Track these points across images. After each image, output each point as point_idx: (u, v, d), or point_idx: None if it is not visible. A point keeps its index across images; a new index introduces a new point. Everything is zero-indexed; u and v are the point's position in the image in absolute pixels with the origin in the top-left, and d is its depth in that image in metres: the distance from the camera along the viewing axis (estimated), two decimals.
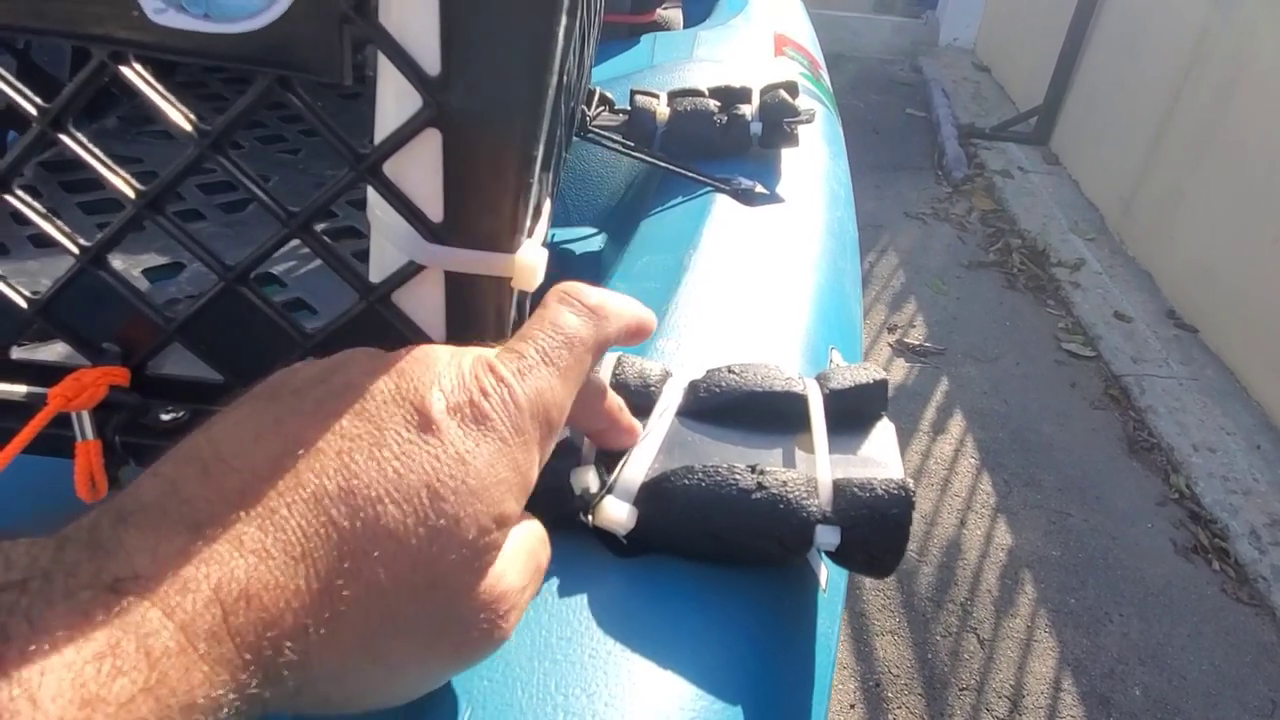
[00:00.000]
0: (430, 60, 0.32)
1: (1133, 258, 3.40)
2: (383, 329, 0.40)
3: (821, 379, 0.48)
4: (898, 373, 2.83)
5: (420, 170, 0.35)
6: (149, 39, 0.32)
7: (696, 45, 1.12)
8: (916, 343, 2.98)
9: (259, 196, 0.37)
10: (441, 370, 0.31)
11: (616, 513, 0.41)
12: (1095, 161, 3.82)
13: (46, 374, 0.43)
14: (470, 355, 0.32)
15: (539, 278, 0.38)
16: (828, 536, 0.40)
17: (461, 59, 0.32)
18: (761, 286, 0.67)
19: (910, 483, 0.41)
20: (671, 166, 0.80)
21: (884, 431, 0.46)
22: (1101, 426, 2.68)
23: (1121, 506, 2.40)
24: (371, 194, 0.37)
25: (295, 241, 0.39)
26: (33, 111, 0.35)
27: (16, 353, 0.43)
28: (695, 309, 0.62)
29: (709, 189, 0.79)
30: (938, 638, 2.00)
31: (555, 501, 0.41)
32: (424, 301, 0.39)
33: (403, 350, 0.32)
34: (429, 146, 0.35)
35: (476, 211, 0.36)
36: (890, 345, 2.97)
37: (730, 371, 0.48)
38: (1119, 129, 3.63)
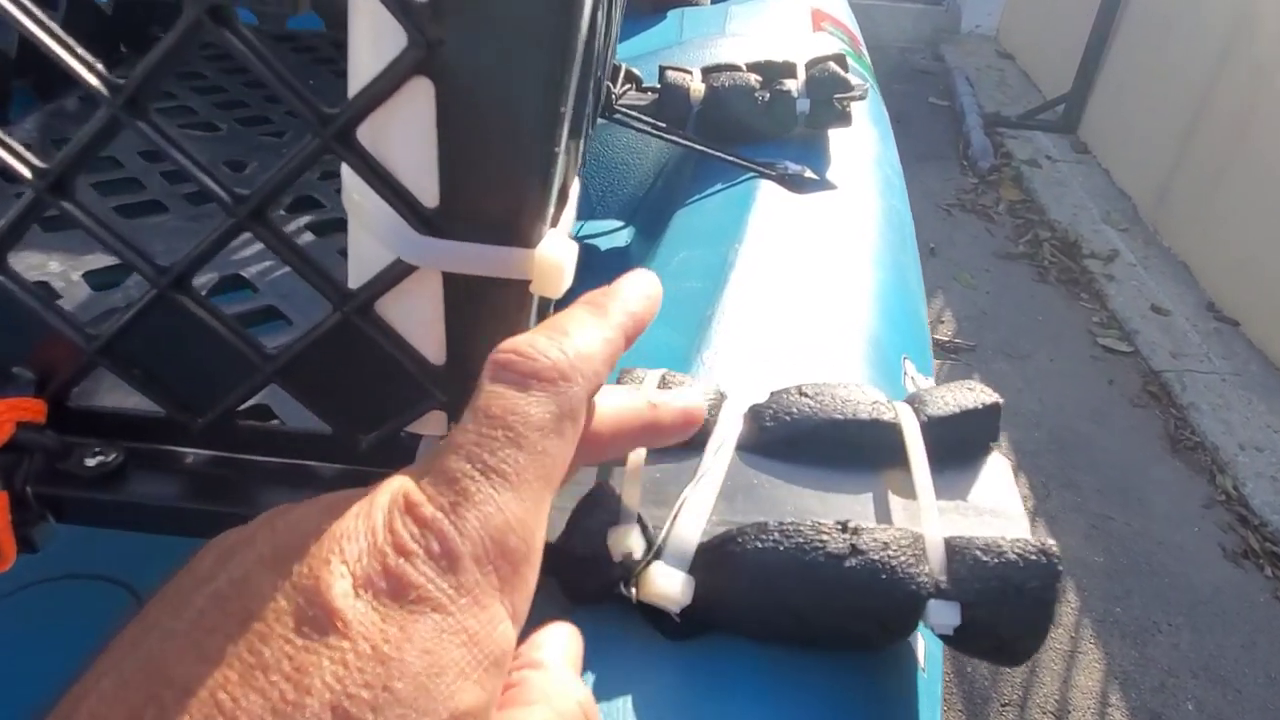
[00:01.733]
0: None
1: (1168, 248, 3.28)
2: (365, 348, 0.31)
3: (916, 403, 0.38)
4: None
5: (407, 136, 0.26)
6: None
7: (729, 20, 1.02)
8: (946, 338, 2.87)
9: (195, 174, 0.27)
10: (344, 533, 0.21)
11: (668, 584, 0.31)
12: (1127, 149, 3.69)
13: None
14: (384, 497, 0.22)
15: (567, 280, 0.29)
16: (944, 616, 0.31)
17: None
18: (819, 286, 0.58)
19: (1054, 546, 0.31)
20: (709, 149, 0.71)
21: (998, 470, 0.37)
22: (1141, 425, 2.56)
23: (1165, 509, 2.29)
24: (347, 172, 0.28)
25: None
26: None
27: None
28: (745, 314, 0.52)
29: (752, 175, 0.70)
30: None
31: (589, 571, 0.32)
32: (417, 313, 0.30)
33: (314, 505, 0.23)
34: (419, 103, 0.25)
35: (483, 192, 0.27)
36: None
37: (802, 394, 0.38)
38: (1152, 114, 3.50)
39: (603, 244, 0.76)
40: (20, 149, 0.28)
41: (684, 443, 0.36)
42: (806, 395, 0.38)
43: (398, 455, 0.34)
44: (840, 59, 0.77)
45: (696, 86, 0.75)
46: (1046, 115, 4.20)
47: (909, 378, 0.54)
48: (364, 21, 0.25)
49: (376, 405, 0.33)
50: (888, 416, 0.37)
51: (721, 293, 0.54)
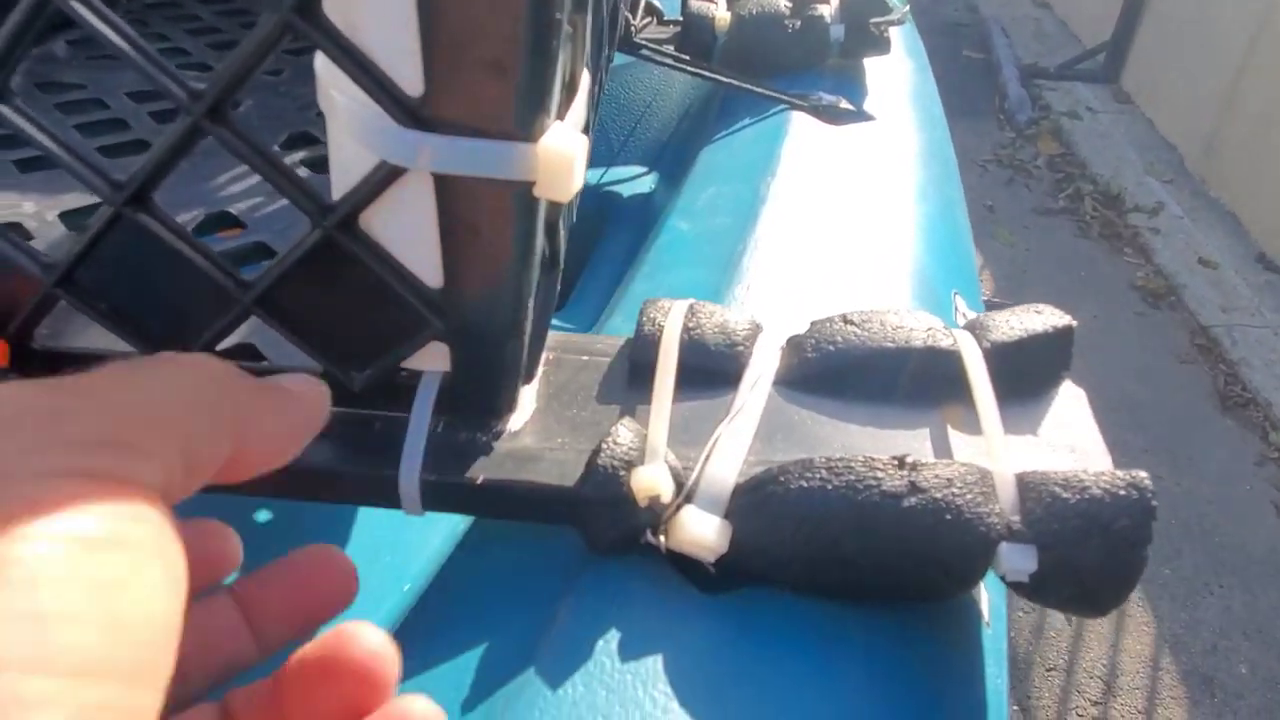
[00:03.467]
0: None
1: (1216, 199, 3.16)
2: (352, 269, 0.27)
3: (977, 329, 0.34)
4: None
5: (383, 6, 0.22)
6: None
7: None
8: (985, 297, 2.80)
9: (153, 72, 0.24)
10: None
11: (701, 529, 0.28)
12: (1172, 97, 3.56)
13: None
14: None
15: (577, 180, 0.25)
16: (1018, 560, 0.27)
17: None
18: (860, 220, 0.53)
19: (1146, 479, 0.27)
20: (737, 82, 0.66)
21: (1073, 402, 0.33)
22: (1190, 382, 2.48)
23: (1216, 468, 2.21)
24: (322, 64, 0.24)
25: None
26: None
27: None
28: (780, 248, 0.48)
29: (783, 107, 0.65)
30: (1019, 614, 1.85)
31: (611, 518, 0.28)
32: (408, 225, 0.26)
33: None
34: None
35: (477, 72, 0.23)
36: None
37: (848, 322, 0.34)
38: (1198, 61, 3.36)
39: (625, 191, 0.72)
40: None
41: (718, 377, 0.33)
42: (852, 323, 0.34)
43: (395, 394, 0.30)
44: None
45: (722, 15, 0.70)
46: (1086, 65, 4.06)
47: (960, 314, 0.50)
48: None
49: (369, 337, 0.29)
50: (945, 344, 0.33)
51: (754, 228, 0.49)
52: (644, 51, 0.67)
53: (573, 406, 0.32)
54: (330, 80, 0.24)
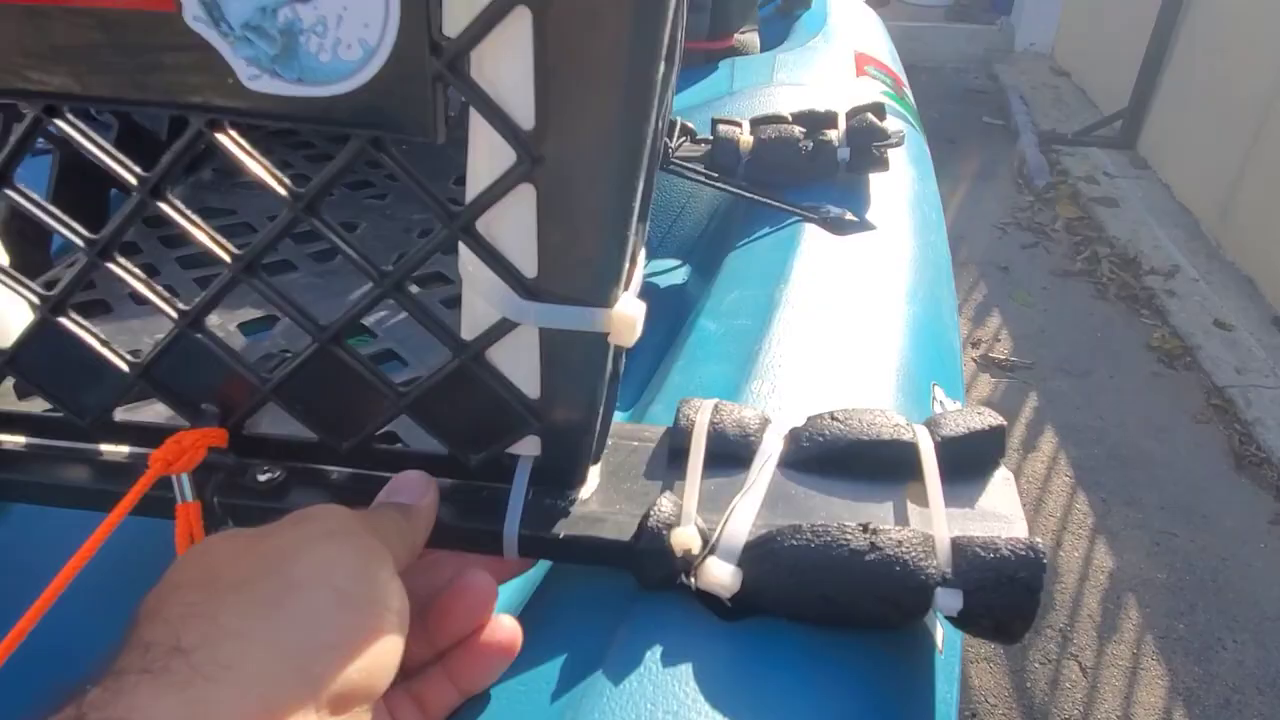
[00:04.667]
0: (524, 114, 0.31)
1: (1232, 262, 3.24)
2: (475, 386, 0.39)
3: (932, 425, 0.45)
4: (983, 388, 2.74)
5: (514, 225, 0.34)
6: (244, 105, 0.32)
7: (776, 69, 1.10)
8: (1002, 357, 2.88)
9: (353, 258, 0.36)
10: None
11: (720, 574, 0.39)
12: (1188, 163, 3.66)
13: (147, 435, 0.43)
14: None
15: (637, 331, 0.37)
16: (949, 600, 0.38)
17: (558, 112, 0.31)
18: (857, 320, 0.65)
19: (1040, 543, 0.38)
20: (757, 197, 0.78)
21: (1003, 483, 0.43)
22: (1205, 441, 2.54)
23: (1231, 525, 2.27)
24: (463, 249, 0.36)
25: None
26: (133, 181, 0.35)
27: (119, 414, 0.43)
28: (789, 347, 0.60)
29: (797, 218, 0.77)
30: (1036, 665, 1.91)
31: (656, 564, 0.39)
32: (519, 358, 0.38)
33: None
34: (523, 201, 0.33)
35: (572, 266, 0.35)
36: (974, 360, 2.88)
37: (833, 419, 0.45)
38: (1213, 127, 3.46)
39: (662, 281, 0.84)
40: (224, 241, 0.36)
41: (735, 460, 0.44)
42: (837, 419, 0.45)
43: (499, 471, 0.42)
44: (878, 108, 0.84)
45: (745, 138, 0.82)
46: (1104, 131, 4.18)
47: (937, 402, 0.60)
48: (482, 141, 0.33)
49: (483, 431, 0.41)
50: (906, 437, 0.44)
51: (769, 330, 0.61)
52: (679, 168, 0.79)
53: (626, 481, 0.43)
54: (469, 260, 0.36)
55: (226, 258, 0.37)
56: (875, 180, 0.85)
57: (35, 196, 0.36)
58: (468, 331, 0.38)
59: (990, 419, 0.45)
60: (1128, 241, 3.41)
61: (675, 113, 1.02)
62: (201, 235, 0.36)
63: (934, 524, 0.40)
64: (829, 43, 1.22)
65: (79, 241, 0.37)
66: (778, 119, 0.85)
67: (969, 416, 0.45)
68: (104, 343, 0.40)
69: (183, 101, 0.32)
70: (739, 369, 0.57)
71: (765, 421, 0.46)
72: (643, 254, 0.41)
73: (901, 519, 0.41)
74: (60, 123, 0.34)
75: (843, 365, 0.59)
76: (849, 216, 0.78)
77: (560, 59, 0.30)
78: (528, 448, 0.41)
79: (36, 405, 0.44)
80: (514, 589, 0.48)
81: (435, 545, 0.43)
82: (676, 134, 0.85)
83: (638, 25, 0.29)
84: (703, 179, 0.79)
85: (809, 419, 0.46)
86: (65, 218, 0.37)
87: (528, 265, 0.35)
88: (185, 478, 0.40)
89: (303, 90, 0.32)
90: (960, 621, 0.38)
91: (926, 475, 0.42)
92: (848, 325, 0.64)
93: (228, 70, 0.31)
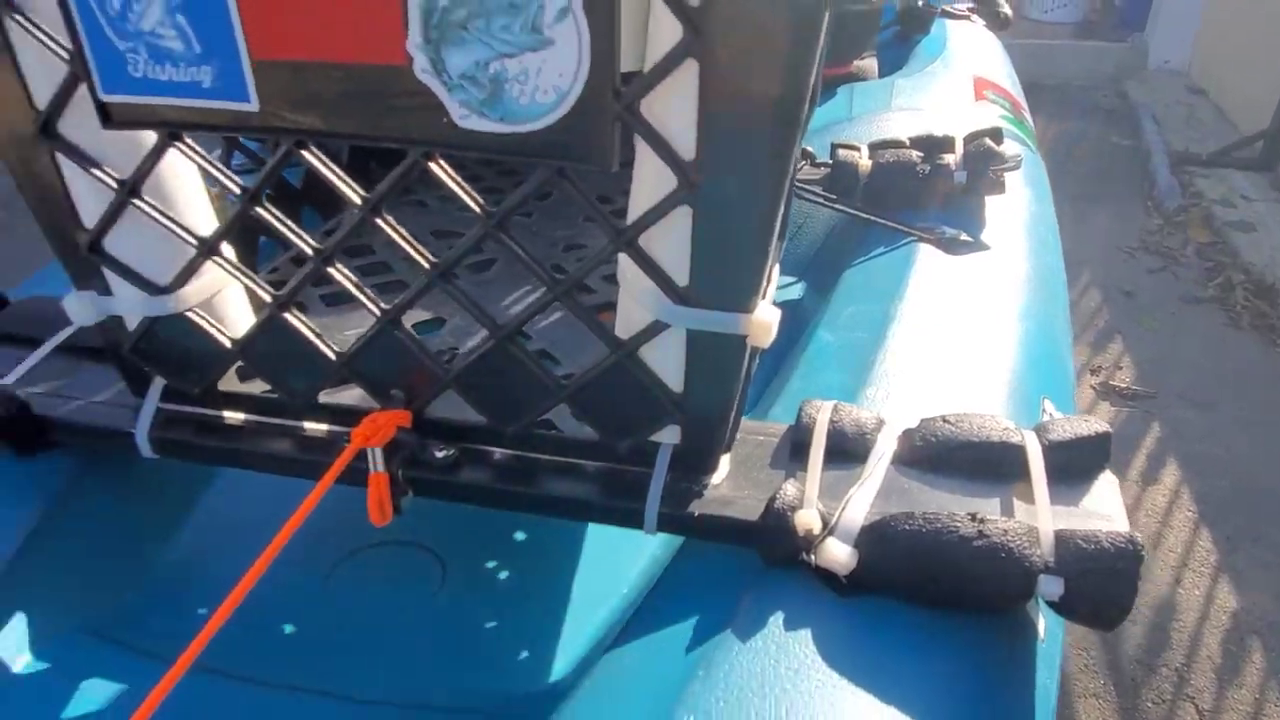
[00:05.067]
0: (686, 147, 0.37)
1: None
2: (626, 380, 0.45)
3: (1040, 430, 0.49)
4: (1102, 416, 2.66)
5: (671, 241, 0.40)
6: (455, 140, 0.38)
7: (895, 94, 1.13)
8: (1124, 385, 2.79)
9: (534, 269, 0.43)
10: None
11: (838, 553, 0.44)
12: None
13: (342, 415, 0.51)
14: None
15: (773, 334, 0.42)
16: (1051, 587, 0.41)
17: (715, 146, 0.37)
18: (969, 336, 0.68)
19: (1139, 537, 0.41)
20: (874, 218, 0.82)
21: (1107, 485, 0.47)
22: None
23: None
24: (623, 260, 0.42)
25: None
26: (358, 200, 0.42)
27: (321, 396, 0.51)
28: (904, 359, 0.64)
29: (912, 239, 0.81)
30: (1149, 704, 1.85)
31: (780, 542, 0.44)
32: (667, 356, 0.44)
33: None
34: (681, 221, 0.39)
35: (720, 277, 0.41)
36: (1094, 388, 2.80)
37: (946, 421, 0.49)
38: None
39: (779, 296, 0.88)
40: (424, 250, 0.44)
41: (852, 456, 0.49)
42: (949, 422, 0.49)
43: (641, 456, 0.48)
44: (996, 133, 0.87)
45: (864, 162, 0.86)
46: (1243, 152, 3.99)
47: (1047, 415, 0.63)
48: (648, 169, 0.39)
49: (630, 420, 0.47)
50: (1015, 440, 0.48)
51: (884, 342, 0.65)
52: (800, 191, 0.84)
53: (753, 470, 0.49)
54: (627, 267, 0.42)
55: (426, 265, 0.44)
56: (991, 202, 0.88)
57: (276, 212, 0.44)
58: (622, 331, 0.44)
59: (1096, 426, 0.48)
60: (1265, 268, 3.25)
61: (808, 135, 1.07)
62: (408, 247, 0.43)
63: (1039, 518, 0.44)
64: (948, 68, 1.25)
65: (308, 250, 0.45)
66: (895, 143, 0.89)
67: (1076, 423, 0.48)
68: (318, 335, 0.48)
69: (406, 137, 0.40)
70: (854, 377, 0.62)
71: (881, 422, 0.51)
72: (777, 267, 0.46)
73: (1008, 513, 0.45)
74: (305, 153, 0.42)
75: (954, 376, 0.63)
76: (964, 237, 0.81)
77: (720, 101, 0.35)
78: (668, 436, 0.47)
79: (255, 387, 0.53)
80: (647, 561, 0.54)
81: (581, 519, 0.49)
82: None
83: (788, 75, 0.34)
84: (823, 202, 0.84)
85: (922, 421, 0.50)
86: (298, 230, 0.44)
87: (680, 275, 0.41)
88: (378, 451, 0.47)
89: (503, 127, 0.38)
90: (1061, 607, 0.42)
91: (1033, 475, 0.46)
92: (960, 340, 0.67)
93: (444, 111, 0.38)
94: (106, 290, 0.48)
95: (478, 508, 0.51)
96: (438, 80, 0.38)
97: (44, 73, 0.41)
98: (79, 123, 0.42)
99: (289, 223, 0.44)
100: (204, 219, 0.48)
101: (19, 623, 0.49)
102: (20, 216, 2.16)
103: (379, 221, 0.43)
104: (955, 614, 0.44)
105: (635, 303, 0.43)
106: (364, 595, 0.56)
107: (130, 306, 0.48)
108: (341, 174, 0.42)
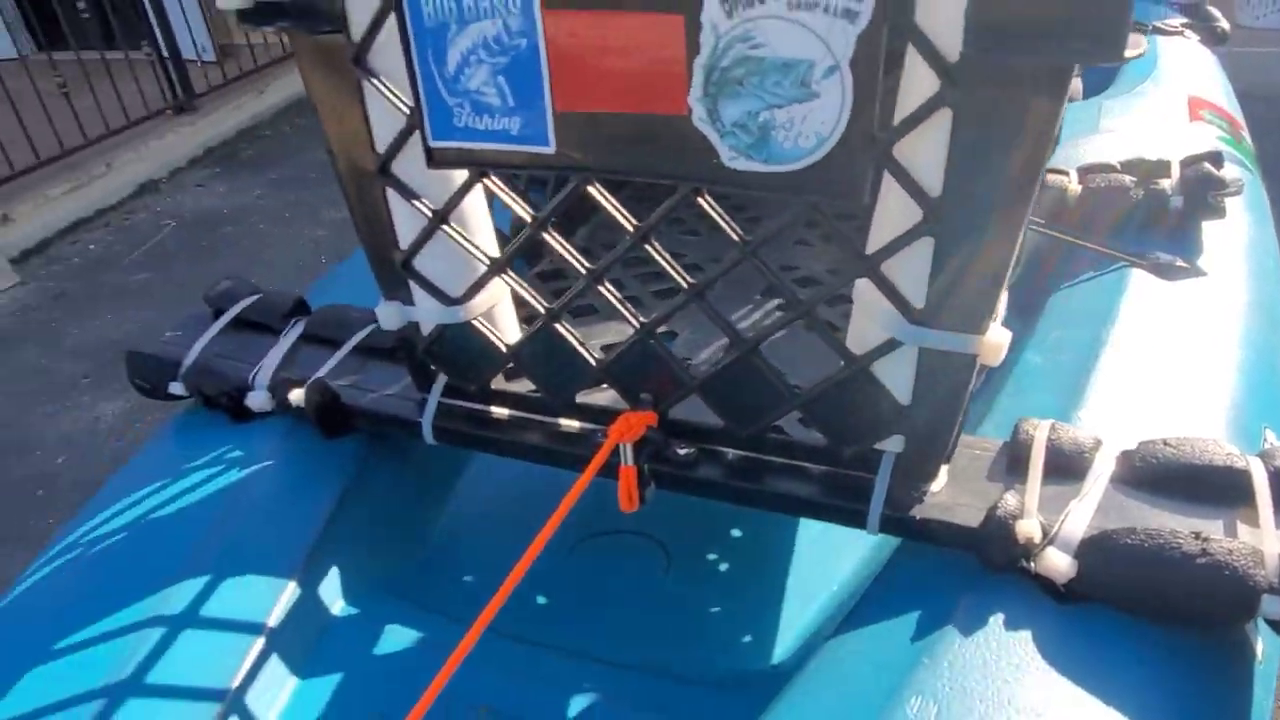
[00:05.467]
0: (933, 185, 0.42)
1: None
2: (856, 391, 0.50)
3: (1266, 457, 0.50)
4: None
5: (910, 267, 0.45)
6: (723, 178, 0.45)
7: (1102, 116, 1.12)
8: None
9: (783, 288, 0.48)
10: None
11: (1058, 562, 0.46)
12: None
13: (594, 414, 0.58)
14: None
15: (1003, 353, 0.46)
16: (1274, 607, 0.43)
17: (962, 184, 0.41)
18: (1185, 362, 0.68)
19: None
20: (1084, 242, 0.83)
21: None
22: None
23: None
24: (860, 281, 0.47)
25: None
26: (630, 228, 0.49)
27: (579, 397, 0.58)
28: (1116, 382, 0.65)
29: (1124, 264, 0.81)
30: None
31: (1001, 549, 0.47)
32: (897, 371, 0.49)
33: None
34: (921, 249, 0.44)
35: (955, 301, 0.45)
36: None
37: (1166, 444, 0.51)
38: None
39: None
40: (682, 271, 0.50)
41: (1070, 473, 0.51)
42: (1170, 445, 0.51)
43: (864, 462, 0.52)
44: (1215, 156, 0.85)
45: (1074, 187, 0.87)
46: None
47: (1268, 444, 0.63)
48: (893, 203, 0.44)
49: (857, 428, 0.52)
50: (1240, 465, 0.49)
51: (1094, 365, 0.67)
52: None
53: (970, 481, 0.52)
54: (865, 289, 0.47)
55: (684, 285, 0.50)
56: (1208, 228, 0.87)
57: (561, 239, 0.52)
58: (855, 346, 0.49)
59: None
60: None
61: None
62: (670, 269, 0.50)
63: (1264, 540, 0.45)
64: (1159, 87, 1.21)
65: (581, 270, 0.52)
66: (1106, 168, 0.89)
67: None
68: (581, 344, 0.55)
69: (680, 174, 0.46)
70: (1065, 398, 0.64)
71: (1099, 442, 0.53)
72: (1007, 291, 0.50)
73: (1231, 534, 0.46)
74: (591, 189, 0.49)
75: (1169, 402, 0.63)
76: (1179, 263, 0.80)
77: (969, 146, 0.40)
78: (892, 444, 0.51)
79: (522, 386, 0.61)
80: (857, 563, 0.58)
81: (807, 516, 0.54)
82: None
83: (1034, 124, 0.38)
84: (1032, 226, 0.85)
85: (1141, 443, 0.52)
86: (574, 252, 0.52)
87: (918, 298, 0.45)
88: (629, 447, 0.54)
89: (767, 167, 0.44)
90: None
91: (1259, 499, 0.47)
92: (1176, 366, 0.68)
93: (715, 153, 0.44)
94: (409, 301, 0.58)
95: (702, 504, 0.56)
96: (711, 127, 0.44)
97: (386, 122, 0.50)
98: (407, 163, 0.51)
99: (568, 246, 0.52)
100: (491, 242, 0.56)
101: (334, 576, 0.59)
102: (161, 282, 2.43)
103: (650, 249, 0.50)
104: (1174, 629, 0.46)
105: (871, 321, 0.48)
106: (601, 574, 0.63)
107: (428, 315, 0.57)
108: (617, 204, 0.49)
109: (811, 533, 0.65)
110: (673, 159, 0.45)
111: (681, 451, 0.56)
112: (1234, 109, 1.25)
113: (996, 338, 0.45)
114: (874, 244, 0.45)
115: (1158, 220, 0.85)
